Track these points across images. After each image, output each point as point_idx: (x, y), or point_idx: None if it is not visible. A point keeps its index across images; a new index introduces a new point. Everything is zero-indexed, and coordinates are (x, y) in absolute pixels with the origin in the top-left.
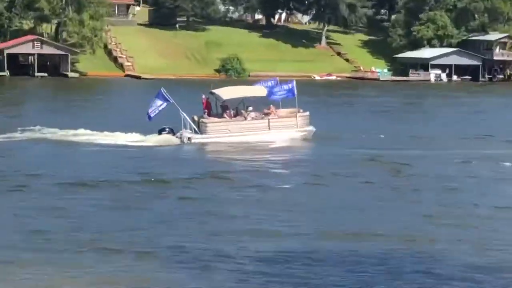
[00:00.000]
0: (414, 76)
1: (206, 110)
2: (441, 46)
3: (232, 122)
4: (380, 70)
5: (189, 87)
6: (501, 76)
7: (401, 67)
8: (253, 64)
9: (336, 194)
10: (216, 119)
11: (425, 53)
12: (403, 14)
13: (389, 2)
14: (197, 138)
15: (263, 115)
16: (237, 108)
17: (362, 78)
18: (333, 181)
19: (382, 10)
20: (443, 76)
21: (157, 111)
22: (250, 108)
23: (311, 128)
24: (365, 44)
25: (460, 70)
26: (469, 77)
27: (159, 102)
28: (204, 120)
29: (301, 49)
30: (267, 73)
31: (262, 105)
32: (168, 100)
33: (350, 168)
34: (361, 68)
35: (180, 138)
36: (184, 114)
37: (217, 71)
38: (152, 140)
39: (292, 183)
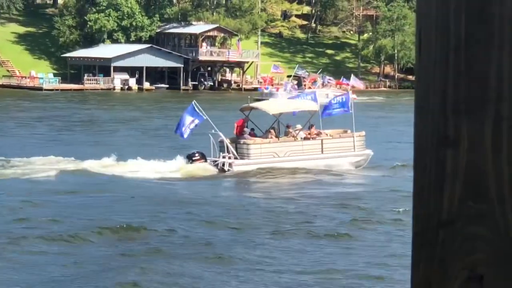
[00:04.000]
0: (91, 83)
1: (247, 130)
2: (128, 41)
3: (280, 143)
4: (44, 75)
5: None
6: (209, 83)
7: (73, 71)
8: None
9: None
10: (261, 140)
11: (106, 51)
12: None
13: None
14: (239, 164)
15: (314, 135)
16: (274, 128)
17: (19, 86)
18: None
19: None
20: (132, 83)
21: (189, 130)
22: (299, 126)
23: (369, 151)
24: (21, 38)
25: (155, 74)
26: (166, 85)
27: (190, 118)
28: (246, 141)
29: None
30: None
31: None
32: (201, 116)
33: None
34: (17, 73)
35: (216, 165)
36: (221, 134)
37: None
38: (186, 169)
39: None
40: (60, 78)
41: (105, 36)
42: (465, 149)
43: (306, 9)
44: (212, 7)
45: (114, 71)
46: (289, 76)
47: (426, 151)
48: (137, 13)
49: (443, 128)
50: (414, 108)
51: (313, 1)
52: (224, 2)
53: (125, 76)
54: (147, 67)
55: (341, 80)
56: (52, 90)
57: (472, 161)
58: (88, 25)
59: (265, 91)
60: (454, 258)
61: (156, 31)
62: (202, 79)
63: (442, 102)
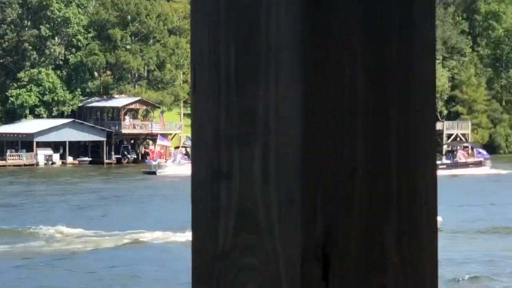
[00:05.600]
0: (13, 158)
1: None
2: (50, 116)
3: None
4: None
5: None
6: (133, 156)
7: None
8: None
9: None
10: None
11: (28, 126)
12: None
13: None
14: None
15: None
16: None
17: None
18: None
19: None
20: (56, 158)
21: None
22: None
23: (439, 218)
24: None
25: (78, 148)
26: (89, 158)
27: None
28: None
29: None
30: None
31: None
32: None
33: None
34: None
35: None
36: None
37: None
38: None
39: None
40: None
41: (27, 111)
42: (237, 181)
43: None
44: (134, 80)
45: (37, 146)
46: (177, 147)
47: (202, 184)
48: (58, 88)
49: (217, 161)
50: (191, 144)
51: None
52: (145, 75)
53: (49, 151)
54: (70, 142)
55: None
56: None
57: (243, 192)
58: (9, 101)
59: (153, 163)
60: None
61: (78, 105)
62: (125, 152)
63: (215, 136)
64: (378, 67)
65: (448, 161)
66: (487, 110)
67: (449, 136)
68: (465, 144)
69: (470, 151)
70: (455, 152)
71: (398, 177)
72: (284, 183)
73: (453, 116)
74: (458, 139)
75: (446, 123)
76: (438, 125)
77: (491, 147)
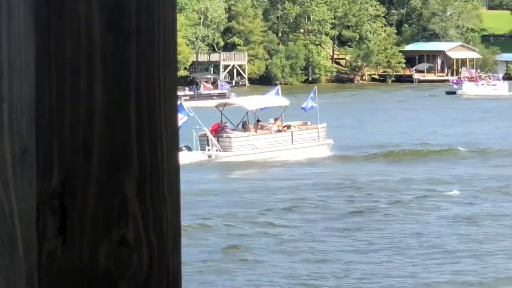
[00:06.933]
0: None
1: (227, 125)
2: None
3: (258, 136)
4: None
5: None
6: None
7: None
8: None
9: None
10: (241, 133)
11: None
12: None
13: None
14: (223, 157)
15: (285, 128)
16: (245, 122)
17: None
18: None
19: None
20: None
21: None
22: (272, 120)
23: (330, 141)
24: None
25: None
26: None
27: (179, 115)
28: (229, 134)
29: None
30: None
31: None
32: (188, 114)
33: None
34: None
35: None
36: (206, 129)
37: None
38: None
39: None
40: None
41: None
42: None
43: None
44: None
45: None
46: None
47: None
48: None
49: None
50: None
51: None
52: None
53: None
54: None
55: None
56: None
57: None
58: None
59: None
60: None
61: None
62: None
63: None
64: (115, 11)
65: (191, 93)
66: (264, 42)
67: (225, 67)
68: (208, 76)
69: (212, 83)
70: (199, 84)
71: (138, 124)
72: (18, 133)
73: (230, 47)
74: (235, 70)
75: (223, 54)
76: (215, 56)
77: (268, 78)
